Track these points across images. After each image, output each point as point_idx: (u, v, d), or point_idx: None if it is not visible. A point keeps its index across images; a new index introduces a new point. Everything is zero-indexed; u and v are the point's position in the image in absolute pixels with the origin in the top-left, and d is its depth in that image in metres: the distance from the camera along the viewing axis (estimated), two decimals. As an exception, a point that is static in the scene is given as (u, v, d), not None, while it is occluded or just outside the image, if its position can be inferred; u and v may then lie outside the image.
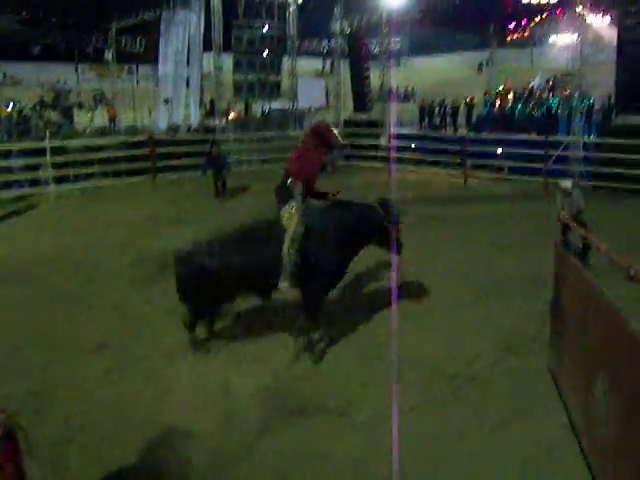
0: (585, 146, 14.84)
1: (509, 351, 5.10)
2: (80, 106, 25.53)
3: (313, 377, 4.84)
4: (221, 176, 13.18)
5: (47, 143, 13.84)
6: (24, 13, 24.28)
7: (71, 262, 8.24)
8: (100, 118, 23.43)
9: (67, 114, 23.02)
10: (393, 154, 16.38)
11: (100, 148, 15.40)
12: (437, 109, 20.63)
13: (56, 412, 4.38)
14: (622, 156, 13.02)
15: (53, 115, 22.45)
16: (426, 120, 20.56)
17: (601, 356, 3.28)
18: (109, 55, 24.03)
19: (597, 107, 17.76)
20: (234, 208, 11.72)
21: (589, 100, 16.95)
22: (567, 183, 7.56)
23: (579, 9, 15.03)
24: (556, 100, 18.66)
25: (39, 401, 4.52)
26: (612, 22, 18.81)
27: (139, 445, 3.92)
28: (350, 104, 21.14)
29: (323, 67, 30.52)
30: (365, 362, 5.01)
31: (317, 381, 4.75)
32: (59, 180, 14.20)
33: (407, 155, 17.46)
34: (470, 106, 20.49)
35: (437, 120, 20.29)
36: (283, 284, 5.01)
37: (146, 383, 4.81)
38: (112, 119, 22.60)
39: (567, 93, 17.88)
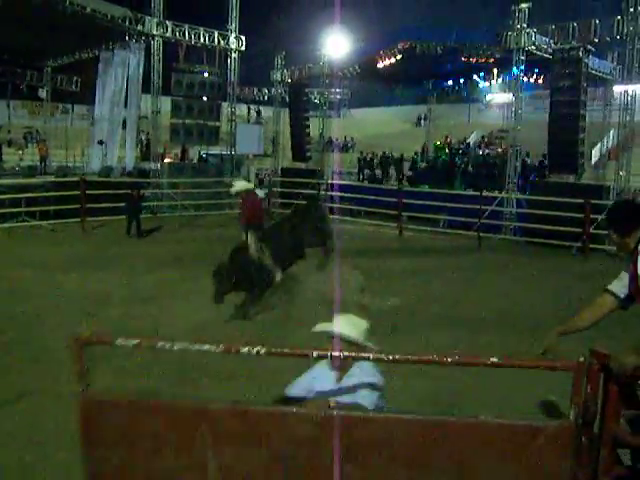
0: (519, 202, 15.16)
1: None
2: (10, 143, 24.44)
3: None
4: (137, 219, 13.85)
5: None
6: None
7: None
8: (30, 156, 22.44)
9: (-5, 151, 21.96)
10: (330, 204, 16.27)
11: (28, 188, 14.71)
12: (377, 162, 20.84)
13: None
14: (554, 213, 13.28)
15: (-20, 152, 21.36)
16: (365, 172, 20.70)
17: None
18: (43, 93, 23.26)
19: (530, 165, 18.38)
20: (156, 253, 11.70)
21: (518, 153, 17.38)
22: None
23: (514, 69, 15.66)
24: (491, 156, 19.23)
25: None
26: (545, 83, 19.70)
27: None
28: (289, 152, 21.16)
29: (257, 112, 30.85)
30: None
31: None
32: (-18, 220, 13.43)
33: (344, 205, 17.41)
34: (414, 160, 20.80)
35: (379, 173, 20.43)
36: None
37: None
38: (43, 158, 21.66)
39: (502, 150, 18.46)
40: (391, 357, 2.43)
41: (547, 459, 2.46)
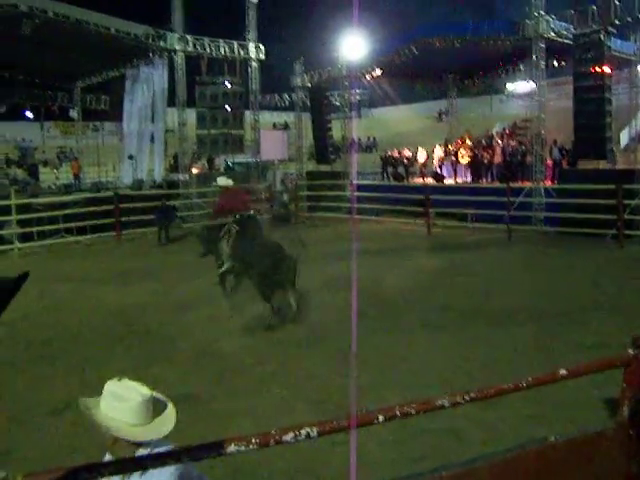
0: (547, 192, 14.93)
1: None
2: (45, 163, 25.36)
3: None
4: (166, 228, 14.99)
5: (12, 201, 13.66)
6: (-9, 73, 24.29)
7: (33, 322, 7.98)
8: (65, 174, 23.26)
9: (32, 171, 22.77)
10: (357, 205, 16.37)
11: (65, 205, 15.27)
12: (400, 159, 20.75)
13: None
14: (584, 201, 13.00)
15: (19, 173, 22.18)
16: (389, 170, 20.66)
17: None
18: (74, 113, 24.07)
19: (558, 152, 18.01)
20: (188, 262, 11.67)
21: (543, 142, 17.08)
22: None
23: (535, 57, 15.46)
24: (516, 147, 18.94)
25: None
26: (567, 68, 19.31)
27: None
28: (313, 156, 21.37)
29: (285, 126, 31.12)
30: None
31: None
32: (24, 238, 14.02)
33: (371, 205, 17.48)
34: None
35: (402, 171, 20.36)
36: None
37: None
38: (76, 175, 22.43)
39: (527, 140, 18.20)
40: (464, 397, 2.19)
41: (610, 459, 2.45)
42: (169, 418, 2.01)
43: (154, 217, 15.09)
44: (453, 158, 19.38)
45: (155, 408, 1.99)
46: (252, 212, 8.78)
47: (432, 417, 4.59)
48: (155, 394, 2.04)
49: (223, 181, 9.25)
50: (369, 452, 4.07)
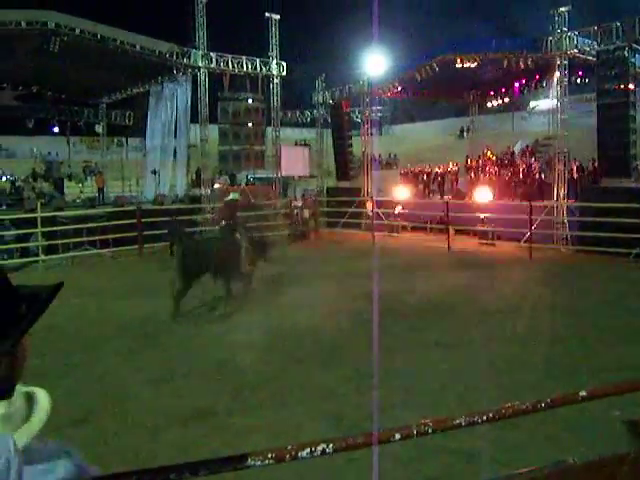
0: (570, 210, 14.77)
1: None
2: (70, 177, 25.88)
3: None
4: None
5: (38, 214, 13.94)
6: (20, 88, 25.06)
7: (53, 332, 7.98)
8: (90, 188, 23.68)
9: (58, 185, 23.23)
10: (377, 221, 16.36)
11: (89, 218, 15.50)
12: (421, 176, 20.77)
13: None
14: (607, 219, 12.84)
15: (45, 186, 22.64)
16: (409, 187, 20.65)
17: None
18: (100, 128, 24.60)
19: (580, 170, 17.82)
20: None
21: (566, 160, 16.95)
22: None
23: (557, 74, 15.38)
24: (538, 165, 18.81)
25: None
26: (590, 85, 19.17)
27: None
28: (334, 172, 21.45)
29: (305, 143, 31.38)
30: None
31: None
32: (49, 250, 14.26)
33: (391, 221, 17.46)
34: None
35: (421, 187, 20.38)
36: None
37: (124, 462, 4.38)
38: (100, 189, 22.83)
39: (549, 157, 18.05)
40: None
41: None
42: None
43: (166, 233, 14.99)
44: (473, 175, 19.34)
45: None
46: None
47: (449, 436, 4.54)
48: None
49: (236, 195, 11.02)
50: (385, 471, 4.02)
